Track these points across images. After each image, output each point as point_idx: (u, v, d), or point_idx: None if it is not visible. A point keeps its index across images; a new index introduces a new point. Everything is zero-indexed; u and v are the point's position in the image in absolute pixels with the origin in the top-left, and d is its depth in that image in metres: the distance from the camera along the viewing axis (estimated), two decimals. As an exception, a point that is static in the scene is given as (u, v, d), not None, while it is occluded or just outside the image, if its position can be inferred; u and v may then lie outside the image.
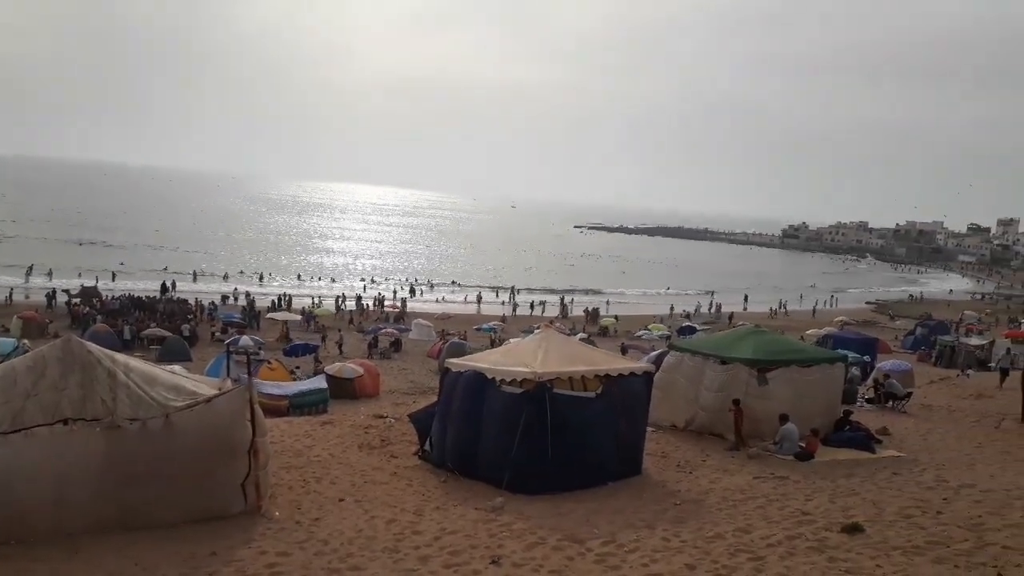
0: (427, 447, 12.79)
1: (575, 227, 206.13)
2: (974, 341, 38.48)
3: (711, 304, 66.54)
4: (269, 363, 25.17)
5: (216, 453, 9.15)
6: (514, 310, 57.39)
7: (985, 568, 7.35)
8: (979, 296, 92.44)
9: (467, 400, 11.87)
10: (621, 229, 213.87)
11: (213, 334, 38.33)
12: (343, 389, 23.94)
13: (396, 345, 37.50)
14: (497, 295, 67.59)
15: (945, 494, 10.59)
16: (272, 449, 10.95)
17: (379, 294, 60.48)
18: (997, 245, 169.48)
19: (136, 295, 46.77)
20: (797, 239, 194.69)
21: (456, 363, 12.79)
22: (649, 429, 13.72)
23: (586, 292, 74.20)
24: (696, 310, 63.71)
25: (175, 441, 8.81)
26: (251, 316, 44.44)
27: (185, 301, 46.86)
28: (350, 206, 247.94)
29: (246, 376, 10.38)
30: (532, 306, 60.18)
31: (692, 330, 45.20)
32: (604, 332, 48.22)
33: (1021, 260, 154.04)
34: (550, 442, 11.09)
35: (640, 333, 47.81)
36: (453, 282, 76.45)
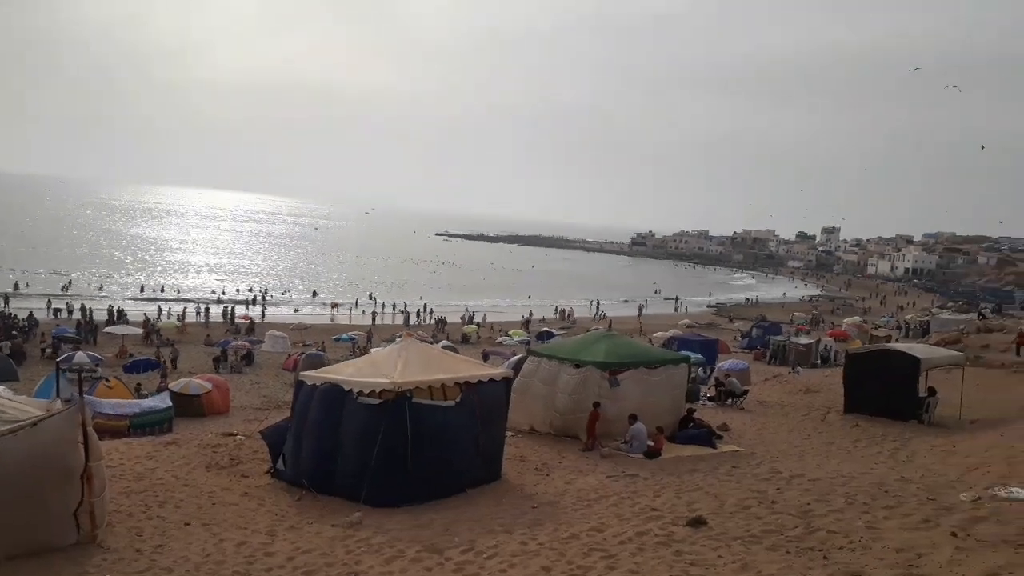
0: (280, 464, 12.35)
1: (437, 234, 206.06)
2: (803, 340, 41.79)
3: (567, 313, 68.44)
4: (107, 381, 23.48)
5: (44, 481, 8.40)
6: (374, 319, 56.53)
7: (813, 552, 7.97)
8: (807, 298, 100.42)
9: (323, 413, 11.57)
10: (482, 237, 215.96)
11: (44, 351, 35.26)
12: (189, 406, 22.70)
13: (248, 358, 35.93)
14: (357, 304, 66.40)
15: (778, 484, 11.41)
16: (109, 474, 10.19)
17: (230, 305, 57.74)
18: (822, 251, 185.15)
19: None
20: (645, 246, 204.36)
21: (311, 375, 12.44)
22: (508, 433, 13.95)
23: (448, 299, 74.24)
24: (562, 315, 65.45)
25: (-4, 470, 8.02)
26: (87, 330, 41.22)
27: (11, 315, 42.81)
28: (198, 212, 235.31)
29: (78, 395, 9.62)
30: (394, 314, 59.65)
31: (550, 335, 46.31)
32: (466, 339, 48.45)
33: (843, 265, 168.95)
34: (410, 453, 11.02)
35: (501, 339, 48.44)
36: (314, 293, 73.97)
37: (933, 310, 69.25)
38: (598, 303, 75.79)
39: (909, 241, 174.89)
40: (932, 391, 19.89)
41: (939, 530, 7.98)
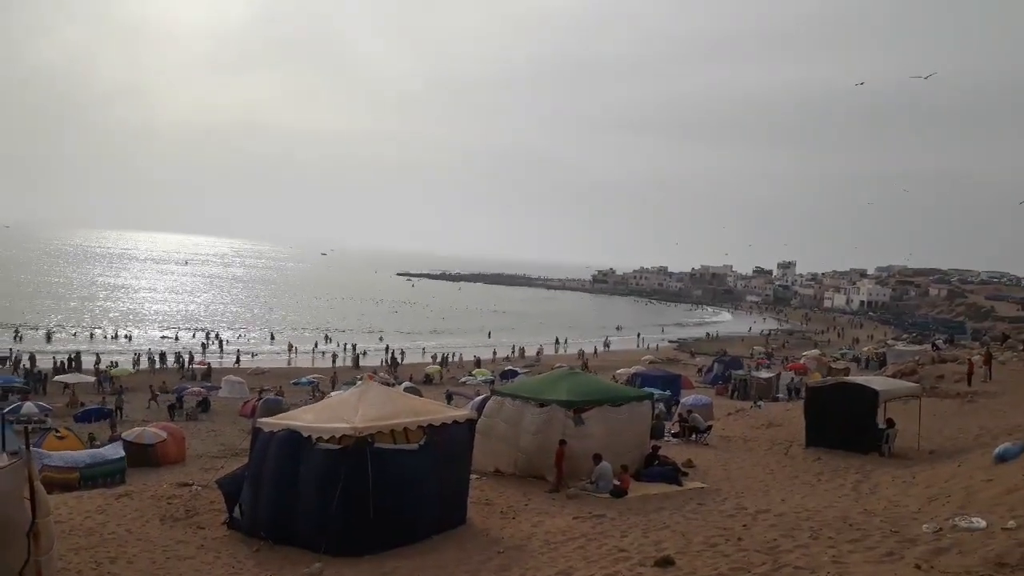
0: (237, 514, 11.99)
1: (399, 274, 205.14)
2: (764, 374, 42.27)
3: (538, 352, 68.38)
4: (58, 431, 22.70)
5: (-13, 540, 8.01)
6: (334, 361, 55.76)
7: (780, 588, 7.94)
8: (766, 332, 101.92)
9: (281, 461, 11.28)
10: (444, 276, 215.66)
11: (-13, 402, 33.97)
12: (143, 456, 22.02)
13: (204, 405, 35.06)
14: (316, 346, 65.52)
15: (744, 520, 11.39)
16: (58, 529, 9.77)
17: (186, 350, 56.50)
18: (779, 286, 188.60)
19: None
20: (606, 283, 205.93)
21: (268, 422, 12.17)
22: (473, 476, 13.75)
23: (411, 340, 73.63)
24: (519, 353, 65.28)
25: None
26: (35, 379, 39.95)
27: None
28: (150, 256, 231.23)
29: (25, 448, 9.24)
30: (355, 356, 58.96)
31: (514, 374, 46.15)
32: (429, 380, 48.03)
33: (799, 299, 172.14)
34: (372, 499, 10.78)
35: (464, 379, 48.13)
36: (271, 336, 72.77)
37: (888, 342, 70.83)
38: (566, 340, 75.93)
39: (863, 275, 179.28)
40: (891, 423, 20.19)
41: (903, 563, 8.00)
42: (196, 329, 73.68)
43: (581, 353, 65.30)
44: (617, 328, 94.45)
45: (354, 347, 62.90)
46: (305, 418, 12.12)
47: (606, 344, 75.62)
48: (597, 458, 15.06)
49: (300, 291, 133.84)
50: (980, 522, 9.46)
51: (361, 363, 55.94)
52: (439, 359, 58.93)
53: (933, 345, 62.41)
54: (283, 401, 32.91)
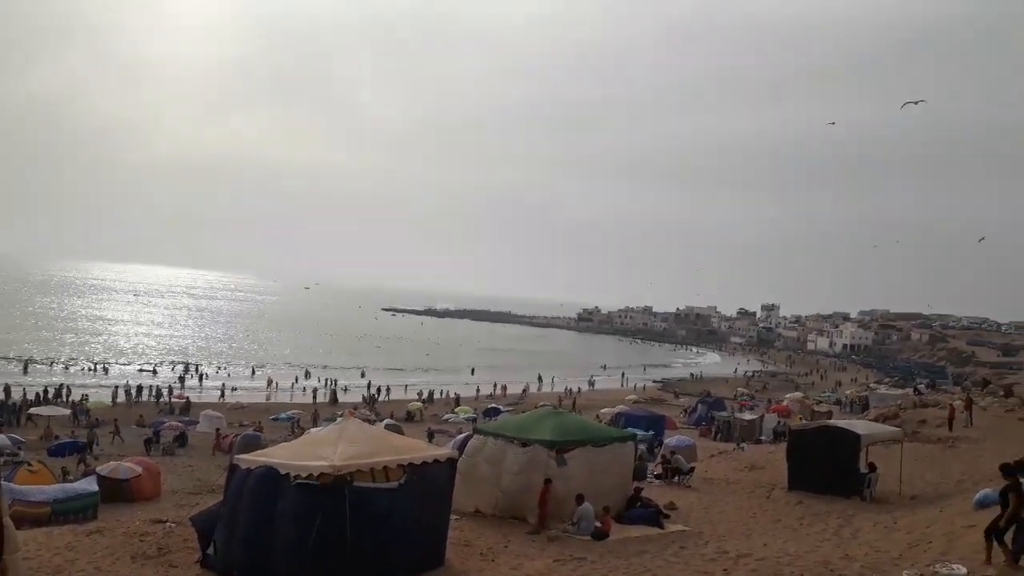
0: (211, 552, 11.73)
1: (384, 310, 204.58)
2: (747, 416, 42.24)
3: (524, 389, 68.07)
4: (30, 465, 22.24)
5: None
6: (315, 397, 55.24)
7: (760, 634, 7.85)
8: (749, 374, 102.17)
9: (258, 498, 11.08)
10: (430, 312, 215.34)
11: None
12: (117, 491, 21.56)
13: (181, 440, 34.51)
14: (296, 381, 64.94)
15: (726, 565, 11.30)
16: (26, 566, 9.53)
17: (165, 384, 55.84)
18: (762, 327, 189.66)
19: None
20: (591, 322, 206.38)
21: (245, 458, 11.98)
22: (453, 516, 13.57)
23: (394, 376, 73.10)
24: (502, 391, 64.95)
25: None
26: (10, 411, 39.29)
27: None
28: (131, 288, 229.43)
29: (-6, 484, 9.04)
30: (332, 392, 58.43)
31: (497, 412, 45.87)
32: (411, 417, 47.61)
33: (783, 341, 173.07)
34: (349, 539, 10.58)
35: (447, 417, 47.77)
36: (252, 371, 72.08)
37: (871, 385, 71.08)
38: (552, 379, 75.77)
39: (846, 318, 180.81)
40: (872, 467, 20.19)
41: (885, 610, 7.95)
42: (176, 362, 72.91)
43: (568, 392, 65.15)
44: (603, 367, 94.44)
45: (334, 382, 62.44)
46: (283, 455, 11.96)
47: (591, 383, 75.57)
48: (579, 499, 14.92)
49: (283, 325, 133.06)
50: (961, 568, 9.44)
51: (340, 399, 55.44)
52: (425, 395, 58.57)
53: (915, 389, 62.74)
54: (262, 437, 32.51)
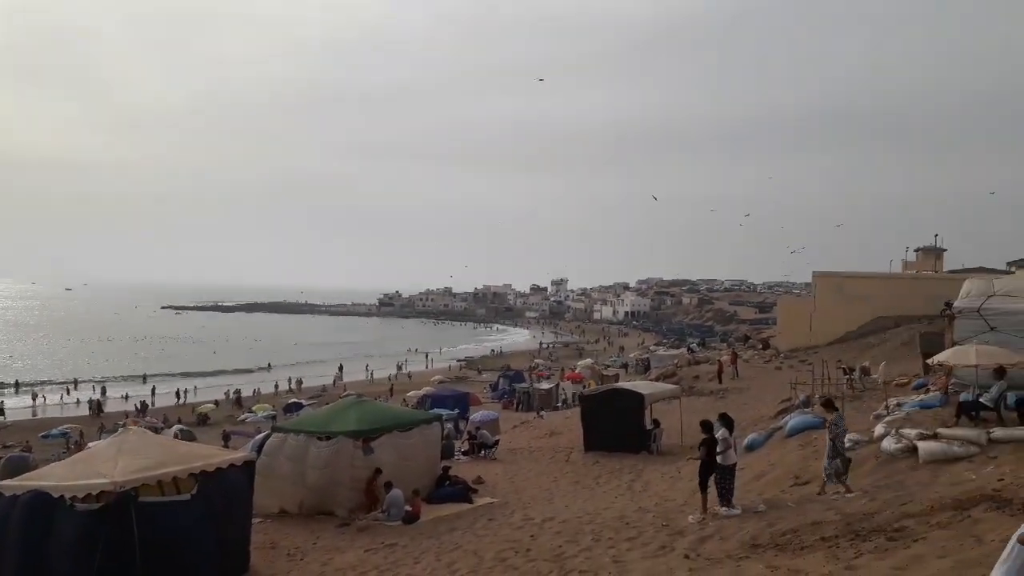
0: (-28, 596, 10.33)
1: (164, 307, 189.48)
2: (544, 386, 44.20)
3: (303, 381, 66.13)
4: None
5: None
6: (94, 408, 49.99)
7: (566, 593, 8.28)
8: (545, 345, 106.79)
9: (28, 528, 9.85)
10: (216, 307, 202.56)
11: None
12: None
13: (-74, 471, 29.96)
14: (68, 392, 58.55)
15: (532, 531, 11.78)
16: None
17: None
18: (553, 301, 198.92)
19: None
20: (393, 307, 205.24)
21: (9, 485, 10.64)
22: (256, 519, 12.97)
23: (182, 380, 67.98)
24: (297, 385, 62.76)
25: None
26: None
27: None
28: None
29: None
30: (95, 403, 52.79)
31: (299, 406, 44.26)
32: (204, 420, 44.66)
33: (572, 312, 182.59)
34: (139, 563, 9.74)
35: (244, 416, 45.40)
36: (16, 384, 63.62)
37: (651, 348, 77.07)
38: (367, 367, 74.12)
39: (626, 287, 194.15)
40: (656, 423, 21.98)
41: (674, 554, 8.69)
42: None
43: (389, 378, 64.40)
44: (410, 350, 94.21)
45: (103, 390, 56.83)
46: (56, 475, 10.75)
47: (399, 367, 74.98)
48: (388, 486, 14.86)
49: (48, 331, 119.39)
50: (735, 510, 10.52)
51: (105, 410, 50.03)
52: (222, 397, 55.00)
53: (688, 348, 69.07)
54: (30, 458, 28.96)
